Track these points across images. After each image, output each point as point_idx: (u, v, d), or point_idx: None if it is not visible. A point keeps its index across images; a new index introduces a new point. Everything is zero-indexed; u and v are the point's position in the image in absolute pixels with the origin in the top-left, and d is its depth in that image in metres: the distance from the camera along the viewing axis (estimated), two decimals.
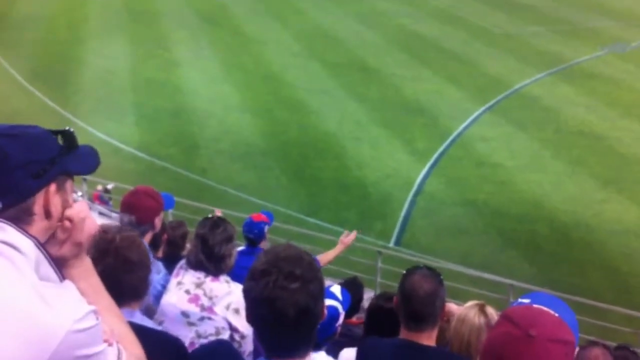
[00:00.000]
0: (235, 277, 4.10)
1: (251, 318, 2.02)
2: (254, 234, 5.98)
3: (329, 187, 15.73)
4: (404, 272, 3.12)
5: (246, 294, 2.02)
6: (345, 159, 17.06)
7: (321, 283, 2.02)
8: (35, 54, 25.19)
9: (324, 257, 6.37)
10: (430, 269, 3.10)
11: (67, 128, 1.86)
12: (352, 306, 5.42)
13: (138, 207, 4.26)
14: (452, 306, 3.12)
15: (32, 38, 27.13)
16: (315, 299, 1.98)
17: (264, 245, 6.11)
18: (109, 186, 13.05)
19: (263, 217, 6.12)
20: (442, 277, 3.08)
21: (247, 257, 6.04)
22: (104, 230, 2.80)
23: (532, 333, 1.94)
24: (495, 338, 2.05)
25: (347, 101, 20.91)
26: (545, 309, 2.08)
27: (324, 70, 23.82)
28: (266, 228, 6.13)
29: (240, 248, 6.02)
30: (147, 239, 4.29)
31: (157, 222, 4.35)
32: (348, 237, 6.49)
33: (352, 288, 5.61)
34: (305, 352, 2.02)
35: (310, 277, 1.98)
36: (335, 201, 15.13)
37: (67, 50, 25.53)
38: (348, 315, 5.37)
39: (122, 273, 2.73)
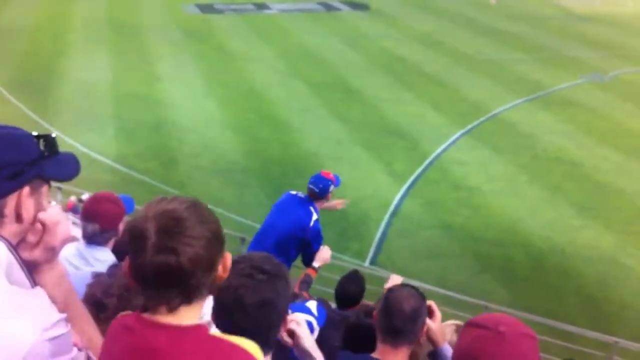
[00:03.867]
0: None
1: (215, 307, 2.02)
2: (318, 188, 6.32)
3: None
4: (389, 288, 3.16)
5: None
6: None
7: (288, 285, 2.05)
8: (17, 64, 24.95)
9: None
10: (415, 288, 3.13)
11: (49, 133, 1.84)
12: (356, 297, 5.66)
13: (101, 214, 4.13)
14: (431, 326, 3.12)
15: (14, 48, 26.90)
16: (279, 295, 2.00)
17: (320, 204, 6.49)
18: (84, 197, 12.82)
19: (331, 175, 6.46)
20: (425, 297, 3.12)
21: (300, 205, 6.41)
22: None
23: (501, 329, 2.08)
24: (467, 345, 2.15)
25: (328, 121, 20.95)
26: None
27: (307, 89, 23.87)
28: (332, 188, 6.41)
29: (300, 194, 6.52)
30: (110, 246, 4.22)
31: (120, 227, 4.24)
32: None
33: (355, 280, 5.71)
34: (262, 348, 1.93)
35: (279, 274, 2.02)
36: None
37: (49, 61, 25.35)
38: (352, 305, 5.42)
39: None
